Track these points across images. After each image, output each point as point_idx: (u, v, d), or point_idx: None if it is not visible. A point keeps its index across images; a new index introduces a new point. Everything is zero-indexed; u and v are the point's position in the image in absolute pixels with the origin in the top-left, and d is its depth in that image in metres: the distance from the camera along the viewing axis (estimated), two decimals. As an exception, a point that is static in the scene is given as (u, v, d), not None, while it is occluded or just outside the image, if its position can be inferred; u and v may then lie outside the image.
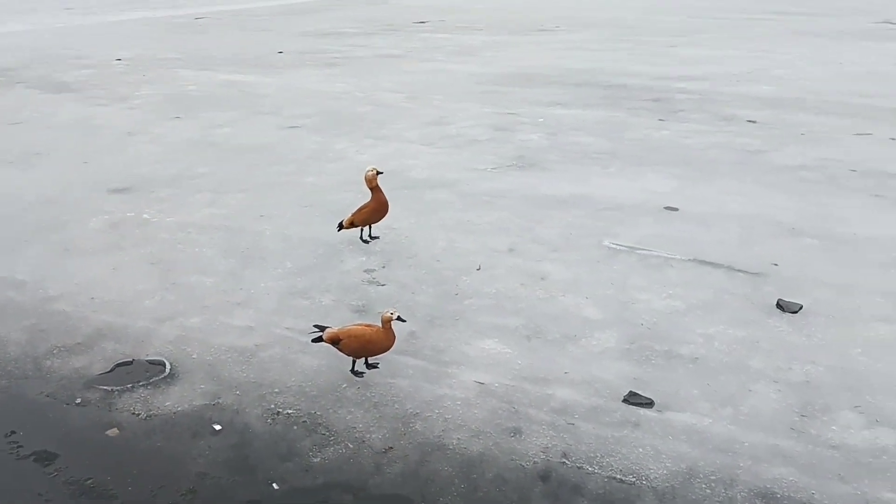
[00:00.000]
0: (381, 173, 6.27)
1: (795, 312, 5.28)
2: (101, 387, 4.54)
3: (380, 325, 4.43)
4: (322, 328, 4.61)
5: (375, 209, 6.24)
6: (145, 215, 7.18)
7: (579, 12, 24.38)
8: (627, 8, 25.38)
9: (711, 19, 22.14)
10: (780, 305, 5.36)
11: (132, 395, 4.46)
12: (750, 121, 10.58)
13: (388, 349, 4.45)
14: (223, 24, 22.27)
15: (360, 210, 6.27)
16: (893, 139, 9.60)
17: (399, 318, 4.39)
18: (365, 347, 4.44)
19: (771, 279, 5.79)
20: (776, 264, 6.05)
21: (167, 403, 4.38)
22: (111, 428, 4.19)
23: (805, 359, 4.72)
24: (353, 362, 4.58)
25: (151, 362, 4.77)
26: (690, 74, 13.84)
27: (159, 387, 4.53)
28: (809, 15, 22.88)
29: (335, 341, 4.48)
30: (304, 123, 10.62)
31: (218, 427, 4.18)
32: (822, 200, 7.48)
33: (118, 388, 4.53)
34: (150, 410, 4.33)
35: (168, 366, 4.72)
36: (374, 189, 6.17)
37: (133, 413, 4.31)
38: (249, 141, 9.75)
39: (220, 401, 4.39)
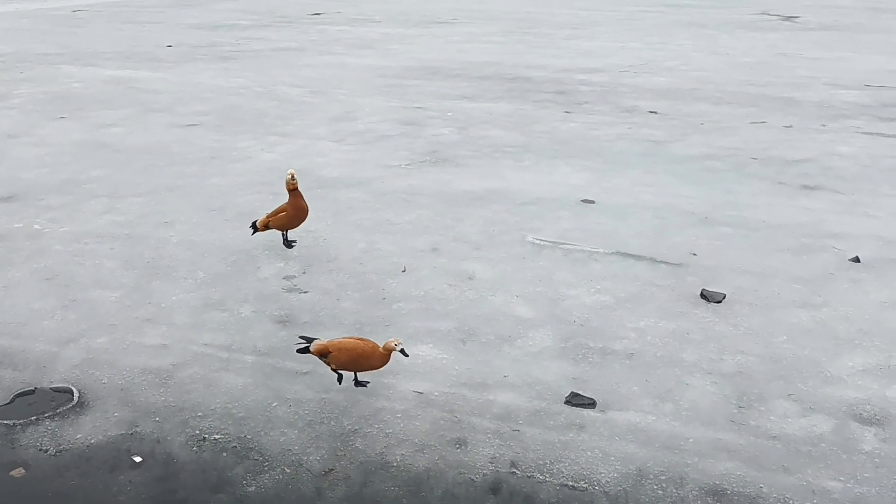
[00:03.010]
0: (295, 183, 5.92)
1: (720, 302, 5.36)
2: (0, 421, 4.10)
3: (374, 341, 4.16)
4: (309, 340, 4.30)
5: (294, 216, 5.93)
6: (36, 226, 6.60)
7: (476, 4, 24.42)
8: (523, 1, 25.62)
9: (606, 11, 22.64)
10: (705, 296, 5.43)
11: (37, 428, 4.04)
12: (651, 111, 10.81)
13: (380, 367, 4.16)
14: (105, 16, 21.04)
15: (277, 214, 5.95)
16: (787, 126, 10.02)
17: (402, 352, 4.06)
18: (356, 361, 4.15)
19: (692, 269, 5.87)
20: (695, 254, 6.15)
21: (78, 436, 3.98)
22: (15, 468, 3.77)
23: (735, 349, 4.79)
24: (339, 376, 4.30)
25: (56, 390, 4.34)
26: (591, 66, 14.06)
27: (68, 417, 4.12)
28: (696, 7, 23.75)
29: (323, 354, 4.20)
30: (201, 121, 10.11)
31: (138, 459, 3.83)
32: (729, 189, 7.69)
33: (20, 421, 4.09)
34: (60, 445, 3.92)
35: (76, 393, 4.31)
36: (293, 192, 5.86)
37: (40, 449, 3.89)
38: (144, 141, 9.19)
39: (138, 429, 4.04)
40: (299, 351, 4.33)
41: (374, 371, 4.25)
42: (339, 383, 4.32)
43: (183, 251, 6.13)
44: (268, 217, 5.99)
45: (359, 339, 4.23)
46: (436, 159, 8.54)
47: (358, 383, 4.33)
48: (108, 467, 3.78)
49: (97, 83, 12.34)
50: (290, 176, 5.81)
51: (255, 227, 6.05)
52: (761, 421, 4.10)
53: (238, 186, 7.61)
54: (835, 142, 9.32)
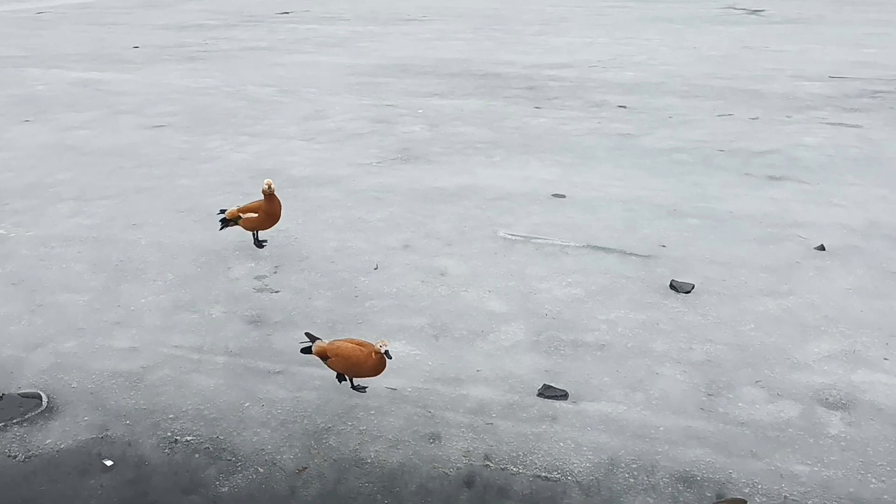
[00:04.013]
0: (272, 191, 5.90)
1: (688, 292, 5.42)
2: (-35, 429, 4.03)
3: (372, 344, 4.12)
4: (313, 339, 4.27)
5: (266, 220, 5.88)
6: (1, 230, 6.51)
7: (445, 2, 24.44)
8: (491, -3, 25.67)
9: (574, 8, 22.76)
10: (674, 286, 5.49)
11: (6, 434, 3.98)
12: (620, 106, 10.89)
13: (377, 374, 4.11)
14: (69, 18, 20.75)
15: (248, 210, 5.88)
16: (753, 119, 10.15)
17: (386, 354, 4.00)
18: (350, 369, 4.12)
19: (661, 261, 5.93)
20: (664, 245, 6.21)
21: (48, 441, 3.94)
22: (-17, 475, 3.71)
23: (703, 338, 4.85)
24: (350, 379, 4.27)
25: (25, 395, 4.28)
26: (560, 62, 14.13)
27: (37, 423, 4.07)
28: (663, 2, 23.96)
29: (323, 357, 4.17)
30: (169, 122, 10.01)
31: (109, 462, 3.80)
32: (697, 181, 7.77)
33: (-13, 428, 4.03)
34: (29, 450, 3.87)
35: (45, 398, 4.25)
36: (270, 196, 5.82)
37: (9, 455, 3.84)
38: (111, 143, 9.08)
39: (109, 433, 4.00)
40: (303, 351, 4.30)
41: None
42: (339, 382, 4.30)
43: (152, 253, 6.07)
44: (239, 210, 5.92)
45: (358, 343, 4.14)
46: (407, 157, 8.53)
47: (354, 388, 4.30)
48: (79, 472, 3.74)
49: (63, 85, 12.18)
50: (266, 185, 5.75)
51: (224, 220, 5.97)
52: (730, 408, 4.16)
53: (208, 187, 7.55)
54: (800, 133, 9.46)
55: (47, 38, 17.23)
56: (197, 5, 23.56)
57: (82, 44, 16.27)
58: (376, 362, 4.04)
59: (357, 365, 4.09)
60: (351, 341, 4.16)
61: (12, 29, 18.55)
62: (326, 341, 4.25)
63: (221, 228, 6.05)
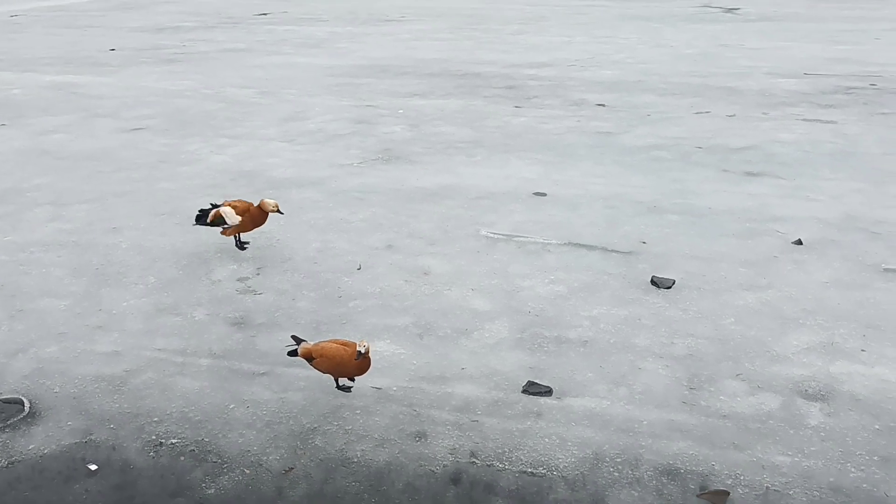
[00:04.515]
0: (282, 213, 5.97)
1: (669, 288, 5.48)
2: (-54, 436, 3.99)
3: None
4: (299, 341, 4.26)
5: (253, 221, 5.87)
6: (-23, 236, 6.44)
7: (423, 2, 24.45)
8: (469, -3, 25.73)
9: (553, 6, 22.86)
10: (655, 282, 5.55)
11: (-14, 442, 3.95)
12: (599, 104, 10.96)
13: (361, 374, 4.12)
14: (43, 21, 20.53)
15: (234, 205, 5.83)
16: (730, 115, 10.26)
17: (360, 354, 3.99)
18: (335, 369, 4.11)
19: (642, 257, 5.99)
20: (644, 242, 6.27)
21: (31, 447, 3.91)
22: (-35, 483, 3.68)
23: (685, 332, 4.91)
24: (336, 379, 4.27)
25: (6, 401, 4.24)
26: (539, 61, 14.19)
27: (19, 428, 4.04)
28: (640, 0, 24.12)
29: (309, 358, 4.17)
30: (147, 125, 9.95)
31: (93, 467, 3.78)
32: (676, 177, 7.85)
33: (-32, 435, 3.99)
34: (12, 457, 3.84)
35: (27, 404, 4.22)
36: (261, 211, 5.82)
37: (-10, 463, 3.81)
38: (88, 147, 9.01)
39: (93, 437, 3.98)
40: (290, 354, 4.29)
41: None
42: (338, 387, 4.30)
43: (133, 257, 6.04)
44: (227, 203, 5.84)
45: (342, 343, 4.13)
46: (388, 157, 8.54)
47: (340, 387, 4.29)
48: (63, 477, 3.72)
49: (37, 89, 12.05)
50: (273, 207, 5.77)
51: (204, 215, 5.89)
52: (712, 401, 4.21)
53: (188, 190, 7.51)
54: (776, 129, 9.58)
55: (21, 41, 17.05)
56: (174, 7, 23.41)
57: (57, 47, 16.12)
58: (360, 362, 4.05)
59: (341, 365, 4.10)
60: (336, 342, 4.17)
61: (-15, 32, 18.34)
62: (312, 343, 4.25)
63: (196, 223, 5.94)
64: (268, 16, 21.23)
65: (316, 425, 4.04)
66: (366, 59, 14.50)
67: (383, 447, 3.88)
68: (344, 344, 4.12)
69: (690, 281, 5.57)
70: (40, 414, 4.15)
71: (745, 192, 7.40)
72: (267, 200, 5.82)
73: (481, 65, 13.84)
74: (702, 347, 4.73)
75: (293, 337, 4.40)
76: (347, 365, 4.07)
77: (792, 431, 3.97)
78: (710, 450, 3.83)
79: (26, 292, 5.47)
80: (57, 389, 4.35)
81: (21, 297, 5.39)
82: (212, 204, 6.00)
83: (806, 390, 4.31)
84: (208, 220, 5.89)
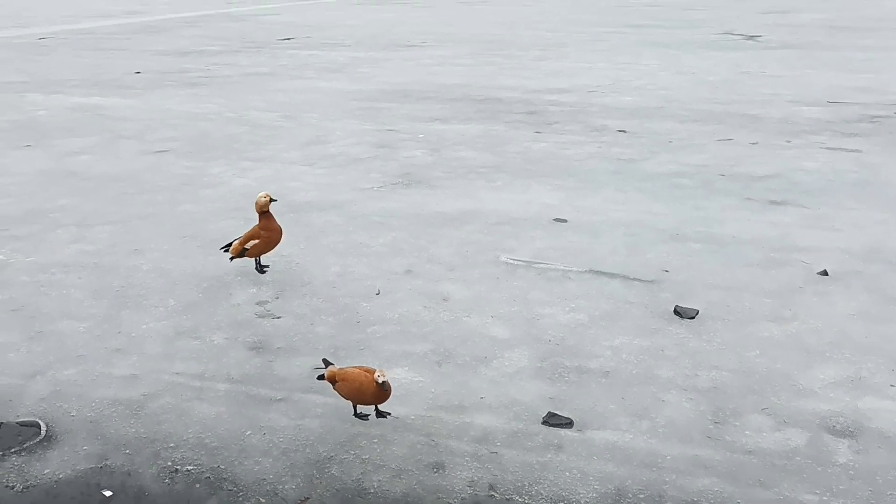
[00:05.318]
0: (275, 200, 5.95)
1: (693, 318, 5.40)
2: (-37, 459, 3.98)
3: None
4: (328, 364, 4.29)
5: (268, 240, 5.88)
6: (0, 256, 6.49)
7: (443, 28, 24.63)
8: (489, 24, 25.89)
9: (572, 33, 22.93)
10: (678, 312, 5.47)
11: (4, 464, 3.93)
12: (620, 130, 10.93)
13: (382, 402, 4.09)
14: (71, 44, 20.88)
15: (248, 239, 5.87)
16: (753, 143, 10.18)
17: (382, 385, 3.95)
18: (355, 395, 4.09)
19: (665, 286, 5.91)
20: (667, 270, 6.20)
21: (46, 471, 3.89)
22: (-20, 506, 3.67)
23: (709, 364, 4.82)
24: (354, 406, 4.24)
25: (23, 424, 4.24)
26: (560, 87, 14.21)
27: (35, 452, 4.02)
28: (659, 27, 24.16)
29: (333, 381, 4.16)
30: (171, 147, 10.03)
31: (108, 493, 3.75)
32: (698, 205, 7.78)
33: (-15, 458, 3.98)
34: (27, 481, 3.82)
35: (43, 427, 4.21)
36: (264, 215, 5.83)
37: (7, 486, 3.79)
38: (112, 169, 9.09)
39: (109, 462, 3.95)
40: (318, 378, 4.29)
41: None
42: (356, 414, 4.26)
43: (154, 279, 6.05)
44: (240, 243, 5.91)
45: (365, 370, 4.10)
46: (409, 181, 8.55)
47: (357, 415, 4.25)
48: (77, 503, 3.69)
49: (63, 111, 12.22)
50: (265, 199, 5.76)
51: (228, 250, 5.97)
52: (737, 436, 4.12)
53: (211, 213, 7.54)
54: (799, 157, 9.49)
55: (48, 63, 17.33)
56: (198, 31, 23.75)
57: (83, 69, 16.37)
58: (379, 389, 4.00)
59: (360, 392, 4.06)
60: (360, 368, 4.15)
61: (13, 54, 18.67)
62: (337, 367, 4.24)
63: (231, 259, 6.01)
64: (291, 41, 21.46)
65: (333, 454, 3.99)
66: (387, 83, 14.59)
67: (400, 478, 3.82)
68: (367, 371, 4.09)
69: (714, 311, 5.49)
70: (57, 437, 4.13)
71: (769, 220, 7.31)
72: (259, 199, 5.79)
73: (502, 90, 13.87)
74: (726, 380, 4.64)
75: (324, 360, 4.40)
76: (367, 391, 4.03)
77: (819, 469, 3.87)
78: (736, 487, 3.74)
79: (46, 314, 5.49)
80: (74, 413, 4.34)
81: (41, 319, 5.41)
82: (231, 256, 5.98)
83: (833, 426, 4.20)
84: (232, 254, 5.89)
